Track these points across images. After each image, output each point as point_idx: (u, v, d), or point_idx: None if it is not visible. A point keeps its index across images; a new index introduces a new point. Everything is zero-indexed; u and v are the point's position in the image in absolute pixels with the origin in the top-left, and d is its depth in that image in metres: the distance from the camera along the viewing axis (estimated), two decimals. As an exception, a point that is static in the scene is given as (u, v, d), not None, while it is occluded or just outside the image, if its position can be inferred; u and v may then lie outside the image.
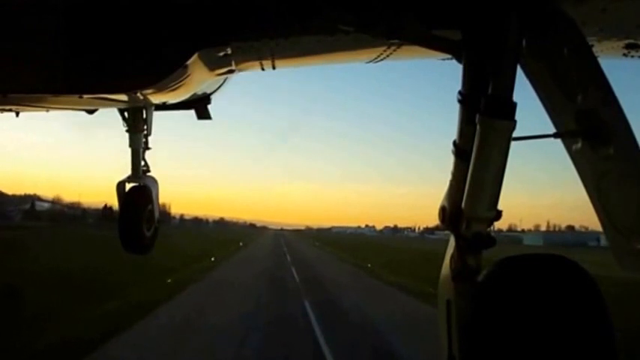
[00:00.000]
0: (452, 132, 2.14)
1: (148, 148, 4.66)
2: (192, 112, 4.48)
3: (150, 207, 4.61)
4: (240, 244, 72.78)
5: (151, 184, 4.70)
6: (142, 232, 4.52)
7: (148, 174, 4.73)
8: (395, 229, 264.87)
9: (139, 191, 4.61)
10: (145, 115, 4.35)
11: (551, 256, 1.91)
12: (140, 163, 4.63)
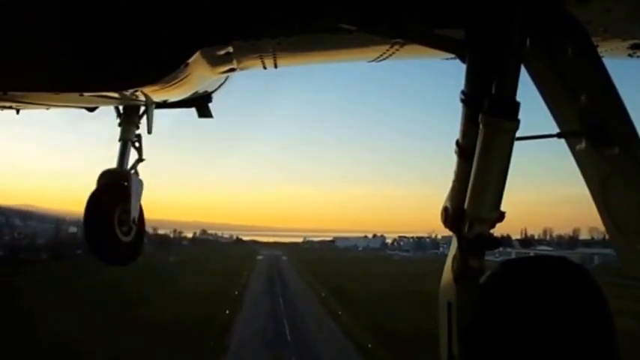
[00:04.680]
0: (454, 132, 2.19)
1: (139, 145, 4.54)
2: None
3: (125, 206, 4.11)
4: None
5: (134, 180, 4.33)
6: (114, 235, 3.97)
7: (133, 170, 4.46)
8: (419, 243, 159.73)
9: (112, 187, 4.20)
10: (140, 111, 4.35)
11: (554, 257, 1.99)
12: (127, 156, 4.45)
